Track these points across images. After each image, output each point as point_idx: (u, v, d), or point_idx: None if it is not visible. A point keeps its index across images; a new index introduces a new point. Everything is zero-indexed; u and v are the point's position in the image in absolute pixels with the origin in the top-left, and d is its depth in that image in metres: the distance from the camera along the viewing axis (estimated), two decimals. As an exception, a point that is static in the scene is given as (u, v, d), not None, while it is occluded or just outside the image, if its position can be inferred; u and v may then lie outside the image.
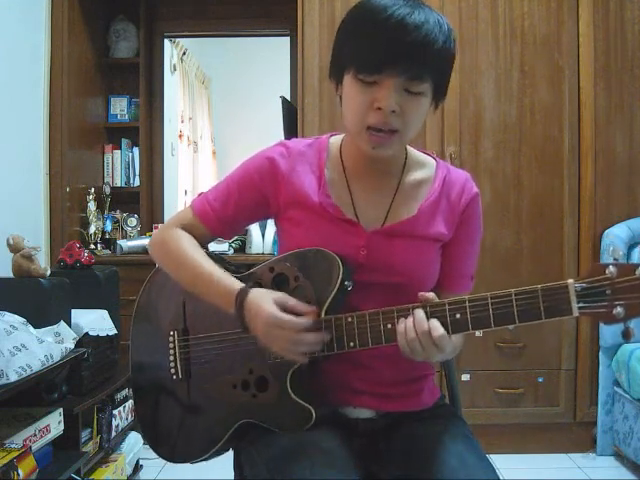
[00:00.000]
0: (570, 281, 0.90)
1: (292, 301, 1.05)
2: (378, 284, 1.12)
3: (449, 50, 1.04)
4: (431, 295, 1.00)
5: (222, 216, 1.21)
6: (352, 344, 1.04)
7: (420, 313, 0.99)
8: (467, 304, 0.96)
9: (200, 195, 1.26)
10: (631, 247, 2.67)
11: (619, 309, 0.86)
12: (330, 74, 1.13)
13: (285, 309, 1.04)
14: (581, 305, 0.89)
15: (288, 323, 1.02)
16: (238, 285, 1.09)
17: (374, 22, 1.01)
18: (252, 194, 1.19)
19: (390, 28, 0.99)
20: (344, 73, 1.07)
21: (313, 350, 1.05)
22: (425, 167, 1.21)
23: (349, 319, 1.04)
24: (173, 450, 1.24)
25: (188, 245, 1.19)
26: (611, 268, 0.87)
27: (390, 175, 1.18)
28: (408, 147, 1.21)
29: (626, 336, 0.89)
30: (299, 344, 1.03)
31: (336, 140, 1.23)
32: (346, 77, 1.07)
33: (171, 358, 1.22)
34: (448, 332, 0.97)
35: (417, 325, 0.98)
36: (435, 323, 0.97)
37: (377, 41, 1.00)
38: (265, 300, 1.05)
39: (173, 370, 1.22)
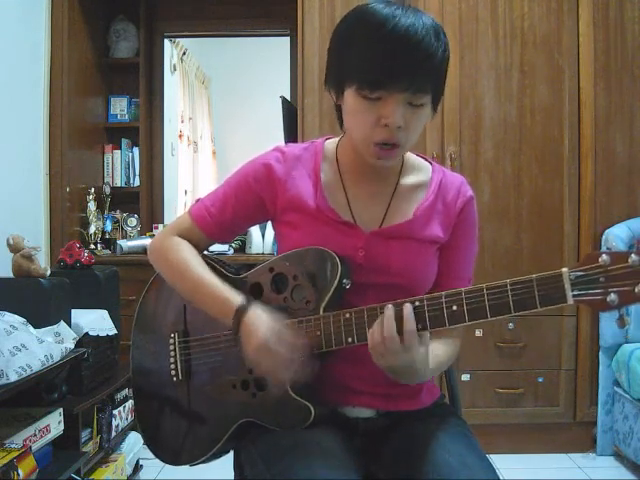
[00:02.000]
0: (564, 269, 0.91)
1: (289, 335, 1.06)
2: (376, 285, 1.13)
3: (447, 59, 1.05)
4: None
5: (220, 221, 1.21)
6: (350, 339, 1.05)
7: (390, 310, 0.99)
8: (463, 295, 0.97)
9: (197, 201, 1.26)
10: (631, 247, 2.67)
11: (613, 296, 0.87)
12: (327, 84, 1.13)
13: (280, 339, 1.04)
14: (575, 293, 0.90)
15: (279, 355, 1.03)
16: (237, 301, 1.10)
17: (375, 36, 1.00)
18: (249, 199, 1.20)
19: (392, 42, 0.98)
20: (345, 87, 1.07)
21: (301, 372, 1.05)
22: (421, 171, 1.22)
23: (347, 315, 1.05)
24: (173, 452, 1.24)
25: (187, 254, 1.19)
26: (604, 256, 0.88)
27: (387, 179, 1.19)
28: None
29: (620, 324, 0.90)
30: (283, 373, 1.05)
31: (332, 143, 1.23)
32: (348, 91, 1.06)
33: (172, 360, 1.23)
34: (445, 325, 0.98)
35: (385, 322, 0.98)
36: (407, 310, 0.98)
37: (379, 57, 1.00)
38: (262, 324, 1.05)
39: (174, 372, 1.22)
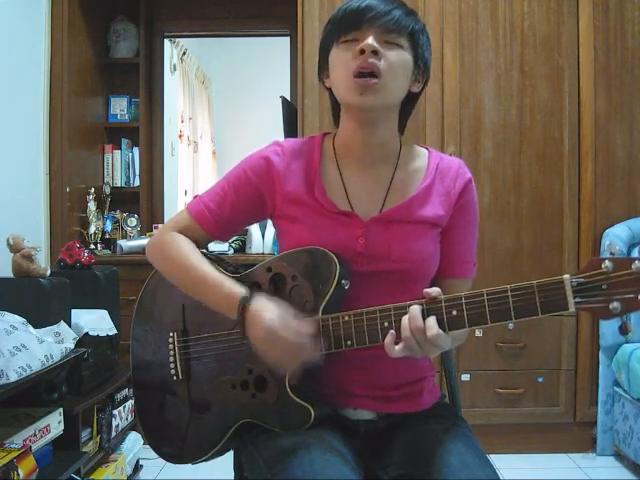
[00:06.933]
0: (566, 276, 0.90)
1: (294, 322, 1.04)
2: (378, 273, 1.13)
3: (416, 14, 1.14)
4: (435, 291, 0.99)
5: (219, 217, 1.21)
6: (349, 343, 1.04)
7: (415, 310, 0.98)
8: (463, 301, 0.96)
9: (195, 197, 1.26)
10: (631, 247, 2.67)
11: (615, 304, 0.86)
12: (319, 72, 1.20)
13: (285, 325, 1.03)
14: (577, 300, 0.89)
15: (286, 341, 1.02)
16: (240, 291, 1.09)
17: (347, 4, 1.12)
18: (248, 193, 1.20)
19: (361, 1, 1.10)
20: (329, 55, 1.13)
21: (309, 358, 1.04)
22: (418, 156, 1.23)
23: (346, 318, 1.05)
24: (174, 451, 1.24)
25: (187, 248, 1.19)
26: (607, 263, 0.87)
27: (384, 166, 1.19)
28: (402, 140, 1.23)
29: (623, 331, 0.89)
30: (296, 351, 1.03)
31: (330, 138, 1.24)
32: (331, 55, 1.13)
33: (171, 359, 1.23)
34: (445, 329, 0.97)
35: (412, 322, 0.97)
36: (431, 322, 0.97)
37: (351, 8, 1.10)
38: (268, 310, 1.05)
39: (173, 371, 1.22)
